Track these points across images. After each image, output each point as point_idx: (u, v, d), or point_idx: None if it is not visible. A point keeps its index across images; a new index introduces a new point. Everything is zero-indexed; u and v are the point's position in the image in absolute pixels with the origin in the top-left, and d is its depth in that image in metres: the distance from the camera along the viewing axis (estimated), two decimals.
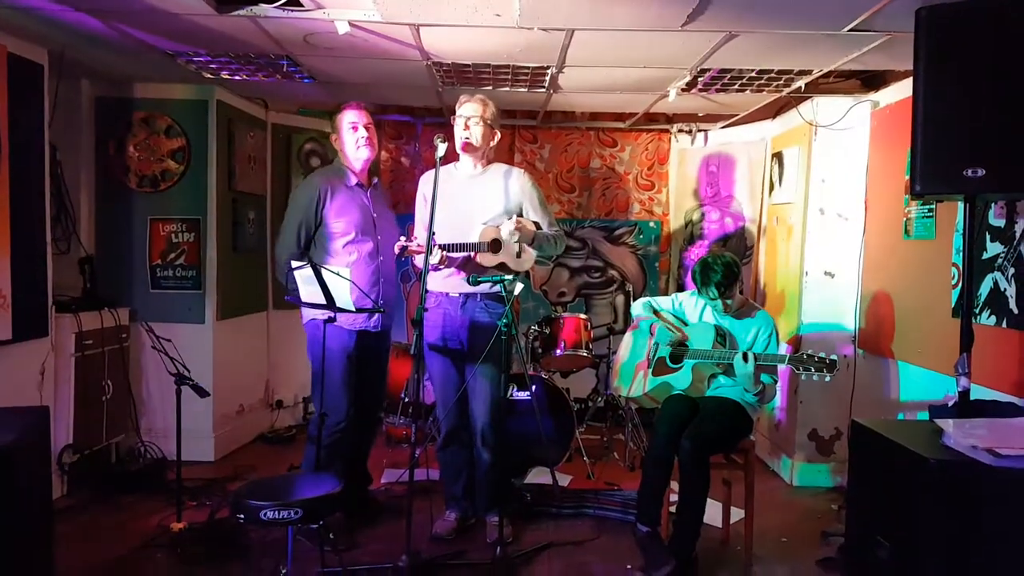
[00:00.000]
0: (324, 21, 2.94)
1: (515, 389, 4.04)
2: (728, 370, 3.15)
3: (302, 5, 2.79)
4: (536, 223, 3.21)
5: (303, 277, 2.99)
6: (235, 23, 3.00)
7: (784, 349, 3.23)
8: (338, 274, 2.91)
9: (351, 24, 2.95)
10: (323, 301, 2.94)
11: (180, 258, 4.31)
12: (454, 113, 3.19)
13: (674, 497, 3.03)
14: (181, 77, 4.03)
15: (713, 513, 3.29)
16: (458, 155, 3.21)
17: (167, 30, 3.16)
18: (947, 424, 2.07)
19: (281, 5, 2.73)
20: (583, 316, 4.36)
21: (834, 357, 2.93)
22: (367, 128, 3.28)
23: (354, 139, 3.25)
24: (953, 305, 3.10)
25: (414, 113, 5.10)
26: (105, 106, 4.25)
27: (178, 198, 4.30)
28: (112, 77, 4.13)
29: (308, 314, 3.24)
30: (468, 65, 3.60)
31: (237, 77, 4.01)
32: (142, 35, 3.25)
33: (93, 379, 3.86)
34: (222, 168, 4.38)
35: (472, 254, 3.10)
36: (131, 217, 4.28)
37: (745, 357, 2.98)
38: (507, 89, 4.08)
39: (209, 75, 3.98)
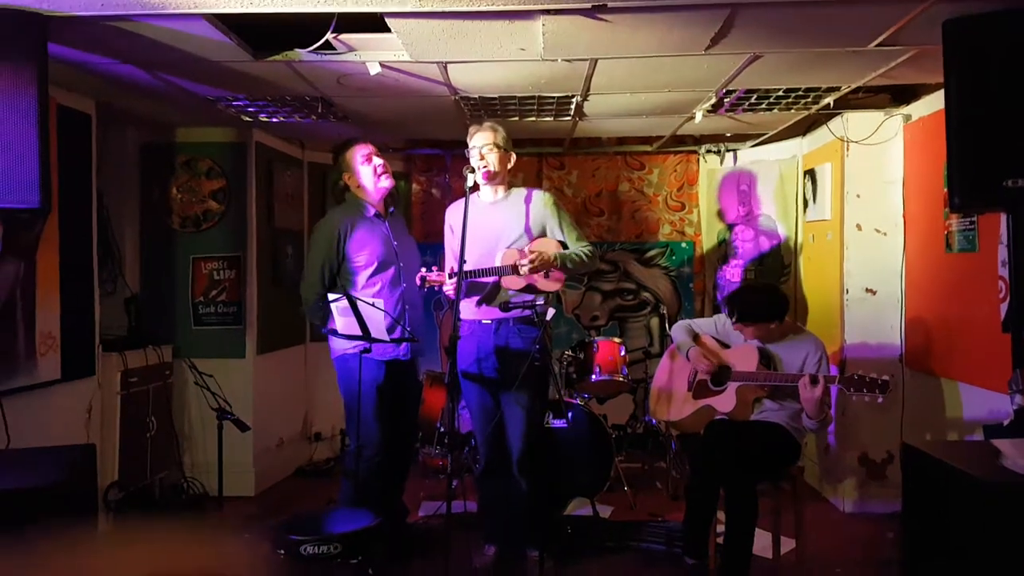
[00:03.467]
0: (356, 63, 3.02)
1: (551, 416, 4.01)
2: (774, 393, 3.09)
3: (335, 49, 2.87)
4: (562, 242, 3.21)
5: (339, 309, 3.03)
6: (271, 68, 3.10)
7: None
8: (373, 304, 2.95)
9: (382, 65, 3.02)
10: (359, 332, 2.98)
11: (222, 295, 4.41)
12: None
13: (721, 528, 2.95)
14: (221, 121, 4.17)
15: (763, 543, 3.19)
16: (479, 185, 3.23)
17: (208, 77, 3.28)
18: (1004, 445, 1.99)
19: (315, 50, 2.82)
20: (617, 340, 4.33)
21: (886, 377, 2.85)
22: (380, 156, 3.35)
23: (371, 169, 3.32)
24: (1003, 319, 3.00)
25: (443, 146, 5.17)
26: (149, 151, 4.41)
27: (219, 236, 4.42)
28: (155, 123, 4.28)
29: (337, 348, 3.27)
30: (495, 98, 3.65)
31: (275, 119, 4.13)
32: (184, 83, 3.37)
33: (138, 416, 3.95)
34: (261, 206, 4.50)
35: (497, 278, 3.10)
36: (174, 256, 4.41)
37: (813, 380, 2.89)
38: (533, 119, 4.13)
39: (248, 118, 4.11)
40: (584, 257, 3.17)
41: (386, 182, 3.34)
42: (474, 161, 3.14)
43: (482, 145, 3.15)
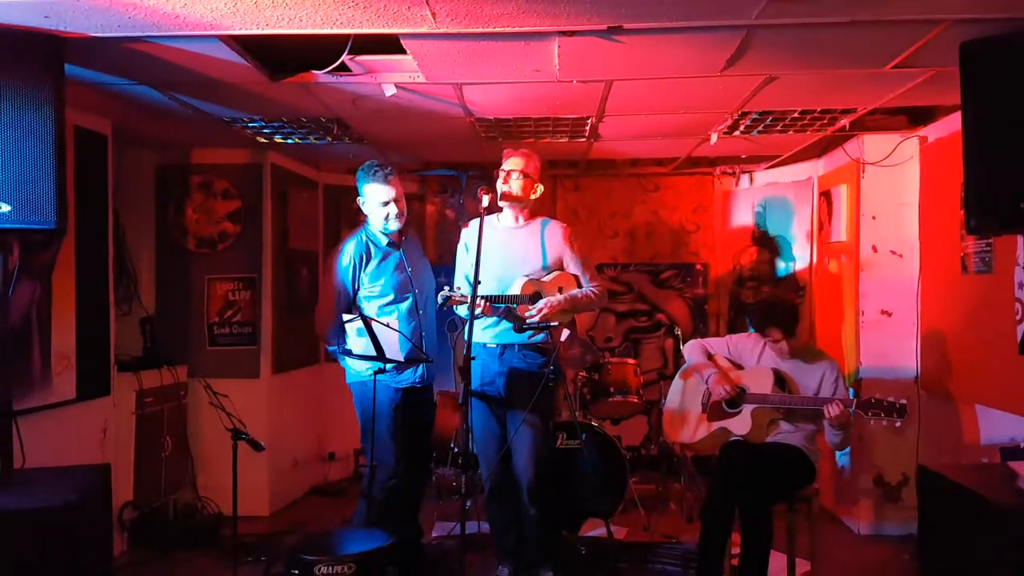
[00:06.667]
0: (371, 84, 3.05)
1: (565, 437, 3.99)
2: (789, 415, 3.07)
3: (350, 70, 2.91)
4: (576, 277, 3.21)
5: (354, 330, 3.03)
6: (287, 89, 3.13)
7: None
8: (387, 325, 2.95)
9: (397, 86, 3.05)
10: (374, 353, 2.98)
11: (236, 315, 4.43)
12: (499, 165, 3.24)
13: (736, 550, 2.92)
14: (236, 142, 4.21)
15: (778, 566, 3.14)
16: (494, 206, 3.20)
17: (224, 98, 3.32)
18: (1021, 467, 1.97)
19: (330, 71, 2.85)
20: (632, 361, 4.31)
21: (903, 401, 2.84)
22: (396, 202, 3.20)
23: (383, 214, 3.19)
24: (1020, 341, 2.97)
25: (458, 167, 5.21)
26: (165, 172, 4.45)
27: (234, 257, 4.44)
28: (171, 144, 4.33)
29: (354, 372, 3.27)
30: (510, 119, 3.68)
31: (290, 140, 4.18)
32: (200, 104, 3.41)
33: (153, 436, 3.95)
34: (276, 228, 4.52)
35: (514, 306, 3.10)
36: (190, 277, 4.43)
37: (839, 405, 2.90)
38: (548, 140, 4.15)
39: (263, 139, 4.15)
40: (593, 298, 3.19)
41: (395, 225, 3.21)
42: (499, 182, 3.14)
43: (511, 170, 3.15)
